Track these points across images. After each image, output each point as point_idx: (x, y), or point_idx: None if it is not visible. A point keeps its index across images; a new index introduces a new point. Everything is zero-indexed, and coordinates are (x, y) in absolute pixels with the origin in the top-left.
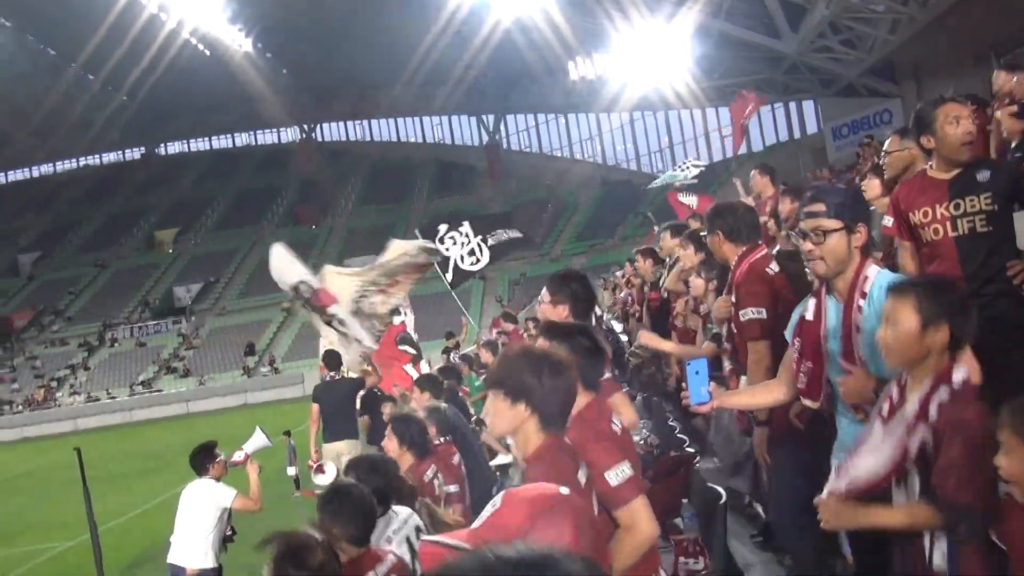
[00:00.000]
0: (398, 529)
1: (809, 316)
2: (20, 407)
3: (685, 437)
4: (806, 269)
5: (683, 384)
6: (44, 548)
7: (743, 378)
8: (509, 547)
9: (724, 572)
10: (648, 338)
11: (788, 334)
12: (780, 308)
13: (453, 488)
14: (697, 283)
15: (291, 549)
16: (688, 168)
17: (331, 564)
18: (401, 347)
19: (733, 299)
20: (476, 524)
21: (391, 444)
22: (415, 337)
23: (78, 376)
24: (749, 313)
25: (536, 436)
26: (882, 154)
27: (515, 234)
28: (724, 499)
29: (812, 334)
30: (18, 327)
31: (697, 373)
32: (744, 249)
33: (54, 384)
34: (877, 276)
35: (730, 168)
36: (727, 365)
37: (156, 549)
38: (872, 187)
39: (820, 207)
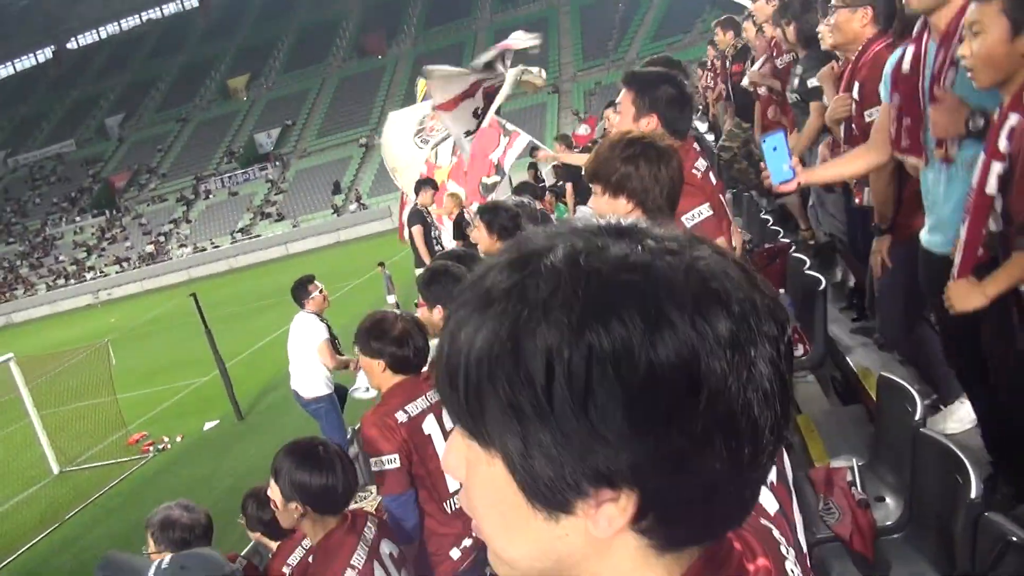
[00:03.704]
0: None
1: (906, 67)
2: (137, 263)
3: (779, 228)
4: None
5: (761, 164)
6: (182, 385)
7: (866, 190)
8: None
9: (825, 356)
10: (757, 75)
11: (883, 90)
12: None
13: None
14: (790, 32)
15: (371, 323)
16: None
17: (413, 333)
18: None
19: (854, 95)
20: None
21: (481, 234)
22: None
23: (181, 229)
24: (875, 113)
25: None
26: None
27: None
28: (823, 285)
29: (911, 85)
30: (120, 188)
31: (775, 149)
32: (875, 33)
33: (162, 239)
34: None
35: None
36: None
37: (279, 378)
38: None
39: None
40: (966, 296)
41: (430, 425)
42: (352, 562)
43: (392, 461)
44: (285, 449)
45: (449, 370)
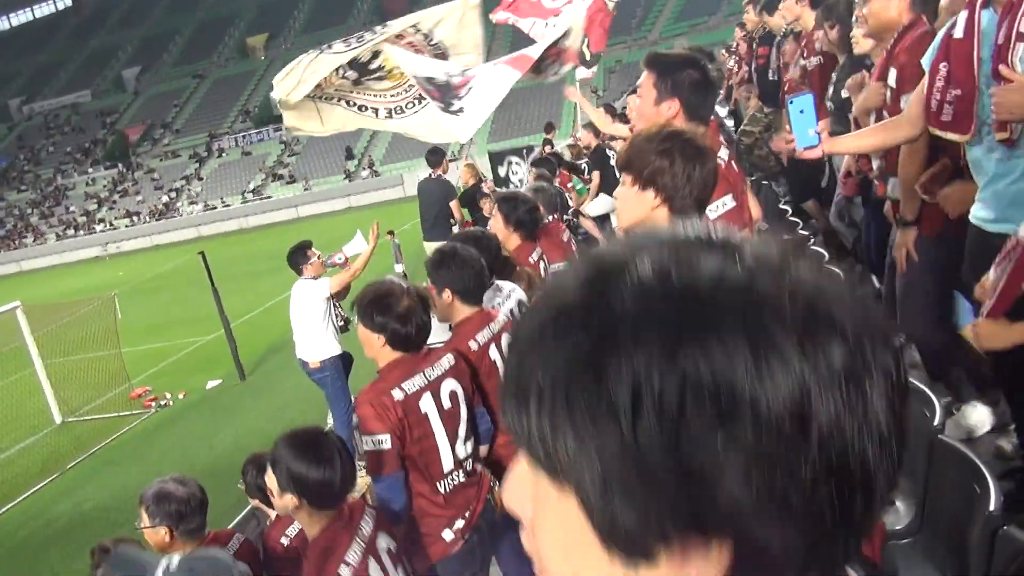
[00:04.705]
0: (502, 302)
1: (959, 34)
2: (147, 218)
3: (798, 220)
4: None
5: (787, 127)
6: (187, 342)
7: (891, 180)
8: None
9: None
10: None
11: (927, 61)
12: None
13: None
14: (832, 34)
15: (376, 296)
16: None
17: (417, 311)
18: None
19: (891, 82)
20: None
21: (497, 223)
22: None
23: (193, 186)
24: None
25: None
26: None
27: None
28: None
29: (963, 54)
30: (133, 141)
31: (802, 112)
32: (912, 18)
33: (173, 195)
34: None
35: None
36: (875, 162)
37: (283, 340)
38: None
39: None
40: (994, 336)
41: (427, 403)
42: (347, 559)
43: (384, 442)
44: (285, 438)
45: (518, 391)
